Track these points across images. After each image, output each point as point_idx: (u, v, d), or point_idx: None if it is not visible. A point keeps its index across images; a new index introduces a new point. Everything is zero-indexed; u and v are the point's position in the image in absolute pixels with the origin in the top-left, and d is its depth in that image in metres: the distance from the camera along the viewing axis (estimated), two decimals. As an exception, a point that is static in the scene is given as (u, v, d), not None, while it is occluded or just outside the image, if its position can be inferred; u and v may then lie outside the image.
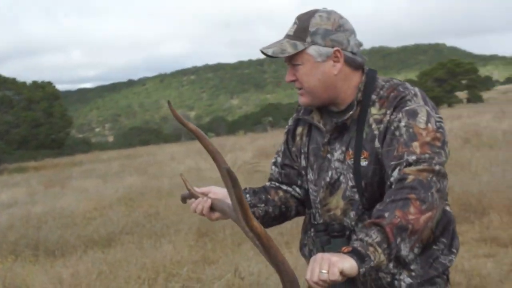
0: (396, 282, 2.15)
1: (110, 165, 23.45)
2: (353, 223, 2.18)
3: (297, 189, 2.41)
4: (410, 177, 1.88)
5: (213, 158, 1.89)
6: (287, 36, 2.16)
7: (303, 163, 2.36)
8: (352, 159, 2.15)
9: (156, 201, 10.82)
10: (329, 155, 2.24)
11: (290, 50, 2.12)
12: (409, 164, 1.92)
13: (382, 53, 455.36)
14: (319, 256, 1.71)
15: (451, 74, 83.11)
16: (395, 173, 1.94)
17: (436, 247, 2.17)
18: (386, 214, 1.78)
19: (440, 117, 2.07)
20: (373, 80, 2.19)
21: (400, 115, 2.04)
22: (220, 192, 2.24)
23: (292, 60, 2.16)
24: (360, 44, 2.20)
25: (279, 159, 2.46)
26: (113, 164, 23.60)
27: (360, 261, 1.69)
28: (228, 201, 2.20)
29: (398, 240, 1.76)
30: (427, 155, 1.93)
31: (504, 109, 27.98)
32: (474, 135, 17.15)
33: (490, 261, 5.53)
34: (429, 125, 2.00)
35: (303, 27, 2.12)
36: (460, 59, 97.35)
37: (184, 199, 2.38)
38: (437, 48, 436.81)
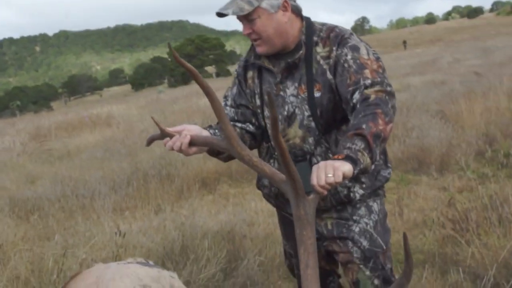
0: (351, 194, 2.59)
1: None
2: (312, 147, 2.56)
3: (251, 126, 2.70)
4: (372, 96, 2.28)
5: (206, 94, 2.08)
6: None
7: (258, 102, 2.68)
8: (306, 93, 2.52)
9: None
10: (282, 93, 2.58)
11: (248, 8, 2.41)
12: (366, 87, 2.33)
13: (127, 31, 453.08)
14: (322, 163, 2.01)
15: (200, 50, 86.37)
16: (356, 95, 2.33)
17: (377, 162, 2.62)
18: (364, 126, 2.15)
19: (374, 50, 2.52)
20: (311, 24, 2.59)
21: (346, 49, 2.46)
22: (194, 129, 2.40)
23: (248, 16, 2.46)
24: None
25: (230, 101, 2.74)
26: None
27: (354, 164, 2.04)
28: (203, 134, 2.42)
29: (374, 146, 2.14)
30: (378, 79, 2.36)
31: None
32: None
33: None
34: (370, 56, 2.45)
35: None
36: (206, 35, 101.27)
37: (151, 141, 2.49)
38: (181, 25, 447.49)
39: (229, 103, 2.75)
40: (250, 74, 2.71)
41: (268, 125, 2.64)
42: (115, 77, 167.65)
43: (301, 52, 2.52)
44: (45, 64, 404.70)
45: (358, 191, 2.60)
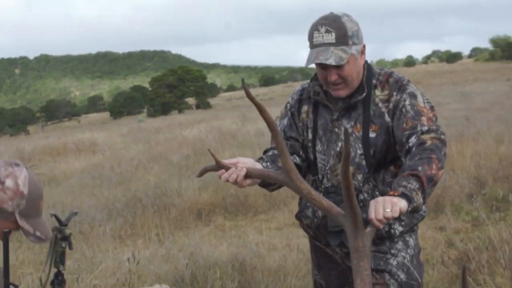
0: (392, 231, 2.73)
1: None
2: (360, 184, 2.70)
3: (297, 158, 2.82)
4: (428, 142, 2.44)
5: (270, 129, 2.19)
6: (330, 44, 2.55)
7: (310, 136, 2.80)
8: (361, 132, 2.66)
9: None
10: (336, 129, 2.72)
11: (345, 56, 2.54)
12: (423, 133, 2.49)
13: (108, 58, 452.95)
14: (380, 199, 2.16)
15: (182, 81, 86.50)
16: (413, 139, 2.49)
17: None
18: (419, 168, 2.31)
19: (428, 99, 2.68)
20: (370, 67, 2.74)
21: (405, 95, 2.63)
22: (248, 161, 2.52)
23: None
24: None
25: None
26: None
27: (409, 202, 2.19)
28: (257, 167, 2.53)
29: (427, 187, 2.29)
30: (434, 127, 2.52)
31: (245, 114, 29.93)
32: (230, 137, 18.25)
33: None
34: (426, 104, 2.63)
35: (343, 34, 2.55)
36: (189, 66, 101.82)
37: (204, 172, 2.52)
38: (163, 55, 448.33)
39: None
40: (304, 108, 2.84)
41: (319, 159, 2.77)
42: (94, 104, 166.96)
43: (364, 94, 2.66)
44: (24, 87, 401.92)
45: (398, 228, 2.73)
